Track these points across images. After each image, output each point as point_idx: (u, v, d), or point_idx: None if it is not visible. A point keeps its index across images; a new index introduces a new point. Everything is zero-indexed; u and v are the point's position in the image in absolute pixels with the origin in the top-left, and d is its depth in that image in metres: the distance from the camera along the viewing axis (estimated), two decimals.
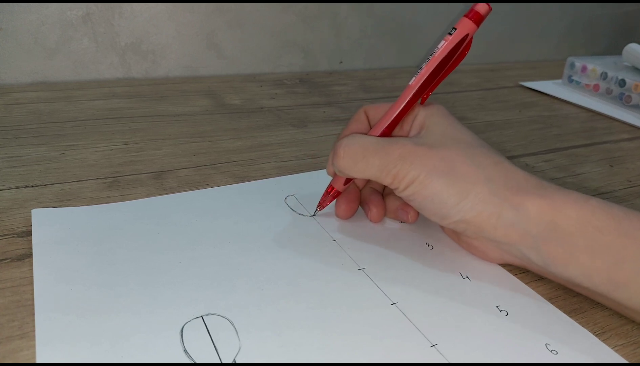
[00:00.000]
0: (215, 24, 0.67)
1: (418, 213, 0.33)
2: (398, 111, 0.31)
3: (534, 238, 0.27)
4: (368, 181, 0.35)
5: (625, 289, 0.26)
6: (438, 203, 0.28)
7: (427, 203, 0.29)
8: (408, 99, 0.31)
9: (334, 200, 0.34)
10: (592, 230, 0.26)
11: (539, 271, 0.29)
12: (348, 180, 0.33)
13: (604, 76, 0.67)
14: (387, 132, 0.32)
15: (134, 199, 0.35)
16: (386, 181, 0.30)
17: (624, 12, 0.99)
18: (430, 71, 0.30)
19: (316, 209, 0.35)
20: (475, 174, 0.28)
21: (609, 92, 0.66)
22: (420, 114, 0.32)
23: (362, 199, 0.35)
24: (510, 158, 0.48)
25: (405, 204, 0.33)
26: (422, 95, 0.31)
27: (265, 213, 0.35)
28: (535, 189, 0.28)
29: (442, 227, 0.34)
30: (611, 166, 0.48)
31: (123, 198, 0.36)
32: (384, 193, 0.36)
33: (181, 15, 0.64)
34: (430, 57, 0.30)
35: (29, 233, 0.31)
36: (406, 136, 0.32)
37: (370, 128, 0.33)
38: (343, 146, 0.30)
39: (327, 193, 0.34)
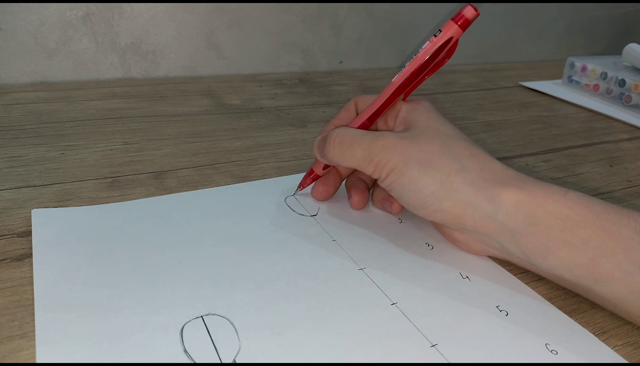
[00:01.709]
0: (215, 24, 0.67)
1: (402, 205, 0.34)
2: (379, 105, 0.33)
3: (511, 231, 0.28)
4: (355, 170, 0.37)
5: (606, 283, 0.26)
6: (414, 192, 0.29)
7: (404, 191, 0.30)
8: (389, 95, 0.32)
9: (314, 182, 0.37)
10: (570, 224, 0.26)
11: (522, 264, 0.29)
12: (327, 166, 0.35)
13: (603, 76, 0.67)
14: (367, 124, 0.33)
15: (134, 199, 0.35)
16: (369, 170, 0.31)
17: (623, 12, 0.99)
18: (413, 70, 0.31)
19: (296, 190, 0.37)
20: (451, 164, 0.29)
21: (608, 92, 0.67)
22: (403, 110, 0.33)
23: (347, 187, 0.37)
24: (510, 158, 0.48)
25: (390, 195, 0.34)
26: (403, 92, 0.32)
27: (265, 213, 0.35)
28: (512, 181, 0.28)
29: (432, 222, 0.34)
30: (611, 166, 0.48)
31: (123, 198, 0.36)
32: (374, 184, 0.37)
33: (181, 15, 0.64)
34: (414, 57, 0.31)
35: (29, 233, 0.31)
36: (391, 131, 0.34)
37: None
38: (334, 137, 0.32)
39: (307, 175, 0.37)
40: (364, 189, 0.36)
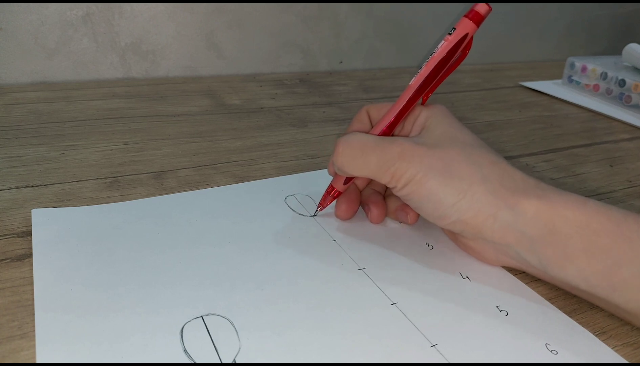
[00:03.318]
0: (215, 24, 0.67)
1: (417, 215, 0.33)
2: (398, 110, 0.31)
3: (530, 239, 0.27)
4: (369, 182, 0.35)
5: (623, 292, 0.25)
6: (435, 203, 0.28)
7: (423, 202, 0.29)
8: (408, 98, 0.31)
9: (334, 200, 0.34)
10: (590, 233, 0.26)
11: (536, 273, 0.29)
12: (348, 180, 0.33)
13: (604, 76, 0.67)
14: (387, 132, 0.32)
15: (134, 199, 0.35)
16: (384, 180, 0.29)
17: (623, 12, 0.99)
18: (430, 70, 0.31)
19: (317, 209, 0.35)
20: (472, 173, 0.28)
21: (609, 92, 0.66)
22: (422, 115, 0.32)
23: (362, 200, 0.35)
24: (510, 158, 0.48)
25: (405, 205, 0.33)
26: (422, 94, 0.31)
27: (265, 213, 0.35)
28: (533, 190, 0.28)
29: (445, 230, 0.34)
30: (611, 166, 0.48)
31: (123, 198, 0.36)
32: (385, 193, 0.36)
33: (181, 15, 0.64)
34: (430, 57, 0.31)
35: (29, 233, 0.31)
36: (407, 136, 0.32)
37: (372, 127, 0.33)
38: (342, 143, 0.30)
39: (327, 193, 0.34)
40: (382, 201, 0.34)
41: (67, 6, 0.58)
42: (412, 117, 0.32)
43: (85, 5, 0.59)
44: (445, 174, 0.28)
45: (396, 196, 0.34)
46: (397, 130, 0.33)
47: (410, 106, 0.31)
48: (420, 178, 0.28)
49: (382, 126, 0.32)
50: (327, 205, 0.35)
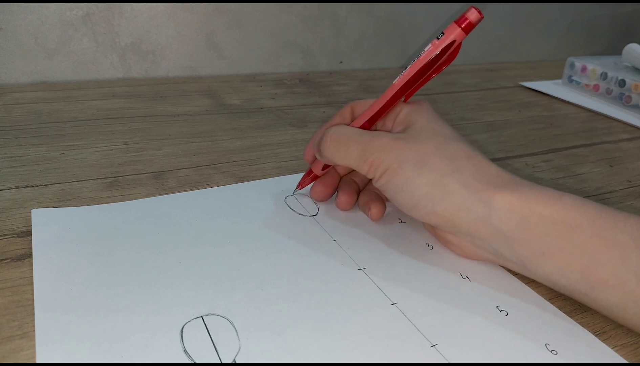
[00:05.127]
0: (214, 24, 0.67)
1: (381, 212, 0.34)
2: (379, 107, 0.33)
3: (504, 236, 0.27)
4: (351, 172, 0.37)
5: (601, 291, 0.25)
6: (408, 192, 0.29)
7: (398, 192, 0.30)
8: (390, 97, 0.32)
9: (312, 182, 0.37)
10: (566, 230, 0.26)
11: (516, 268, 0.29)
12: (326, 166, 0.35)
13: (603, 76, 0.67)
14: (367, 126, 0.33)
15: (134, 199, 0.35)
16: (363, 170, 0.31)
17: (623, 12, 0.99)
18: (414, 72, 0.31)
19: (295, 189, 0.37)
20: (445, 165, 0.29)
21: (608, 92, 0.66)
22: (403, 112, 0.33)
23: (338, 186, 0.36)
24: (510, 158, 0.48)
25: (370, 200, 0.34)
26: (404, 94, 0.32)
27: (265, 213, 0.35)
28: (507, 184, 0.28)
29: (426, 225, 0.34)
30: (611, 166, 0.48)
31: (123, 198, 0.36)
32: (363, 187, 0.37)
33: (181, 15, 0.64)
34: (416, 59, 0.31)
35: (29, 233, 0.31)
36: (389, 132, 0.33)
37: (353, 121, 0.35)
38: (330, 134, 0.32)
39: (307, 174, 0.37)
40: (353, 191, 0.35)
41: (67, 6, 0.58)
42: (393, 113, 0.33)
43: (85, 5, 0.59)
44: (419, 166, 0.29)
45: (369, 190, 0.35)
46: (378, 125, 0.34)
47: (391, 104, 0.32)
48: (396, 168, 0.29)
49: (363, 120, 0.33)
50: (305, 185, 0.37)
